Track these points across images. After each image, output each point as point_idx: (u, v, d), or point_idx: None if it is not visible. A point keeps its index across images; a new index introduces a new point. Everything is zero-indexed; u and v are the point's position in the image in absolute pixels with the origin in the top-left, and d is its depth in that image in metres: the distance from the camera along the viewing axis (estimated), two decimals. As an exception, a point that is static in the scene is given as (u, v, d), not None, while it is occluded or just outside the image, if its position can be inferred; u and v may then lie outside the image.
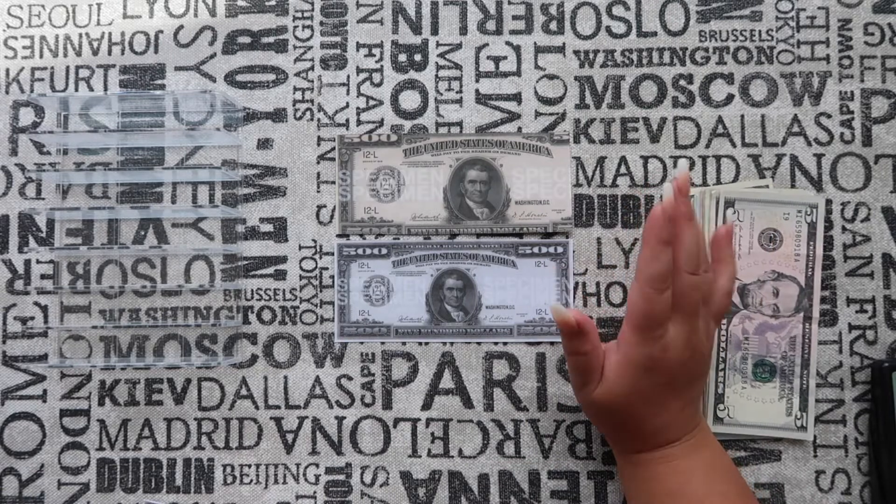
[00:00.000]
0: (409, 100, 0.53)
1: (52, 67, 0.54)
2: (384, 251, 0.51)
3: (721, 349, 0.50)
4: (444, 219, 0.52)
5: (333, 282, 0.52)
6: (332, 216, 0.52)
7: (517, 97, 0.52)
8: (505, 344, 0.51)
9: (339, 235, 0.52)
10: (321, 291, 0.52)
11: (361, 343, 0.52)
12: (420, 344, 0.52)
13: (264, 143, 0.53)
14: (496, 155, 0.52)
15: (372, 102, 0.53)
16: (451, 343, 0.52)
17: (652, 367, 0.41)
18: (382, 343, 0.52)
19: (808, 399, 0.49)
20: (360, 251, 0.52)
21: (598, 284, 0.51)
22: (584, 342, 0.43)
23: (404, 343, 0.52)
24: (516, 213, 0.52)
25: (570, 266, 0.51)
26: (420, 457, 0.51)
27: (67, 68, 0.54)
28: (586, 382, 0.44)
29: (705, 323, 0.43)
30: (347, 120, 0.53)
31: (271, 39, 0.53)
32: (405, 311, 0.51)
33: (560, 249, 0.51)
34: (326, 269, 0.52)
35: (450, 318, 0.51)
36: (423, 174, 0.52)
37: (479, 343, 0.51)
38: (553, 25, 0.53)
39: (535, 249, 0.51)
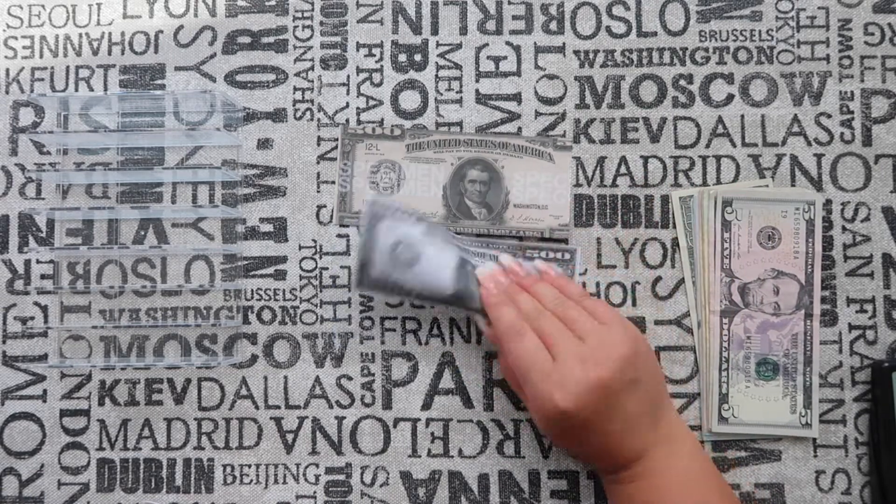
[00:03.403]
0: (409, 100, 0.53)
1: (52, 67, 0.54)
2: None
3: (724, 349, 0.50)
4: (441, 216, 0.52)
5: (334, 282, 0.52)
6: (332, 216, 0.52)
7: (517, 97, 0.52)
8: (505, 344, 0.51)
9: (340, 225, 0.52)
10: (321, 291, 0.52)
11: (361, 340, 0.52)
12: (420, 344, 0.52)
13: (264, 143, 0.53)
14: (498, 156, 0.52)
15: (372, 102, 0.53)
16: (452, 343, 0.51)
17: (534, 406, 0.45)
18: (383, 344, 0.52)
19: (811, 396, 0.49)
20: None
21: (597, 284, 0.51)
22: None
23: (405, 343, 0.52)
24: (514, 216, 0.51)
25: (575, 273, 0.51)
26: (420, 457, 0.51)
27: (67, 68, 0.54)
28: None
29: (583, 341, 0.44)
30: (347, 120, 0.53)
31: (271, 39, 0.53)
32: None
33: (567, 256, 0.51)
34: (326, 269, 0.52)
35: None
36: (424, 170, 0.52)
37: (479, 343, 0.51)
38: (553, 25, 0.53)
39: (543, 255, 0.51)
